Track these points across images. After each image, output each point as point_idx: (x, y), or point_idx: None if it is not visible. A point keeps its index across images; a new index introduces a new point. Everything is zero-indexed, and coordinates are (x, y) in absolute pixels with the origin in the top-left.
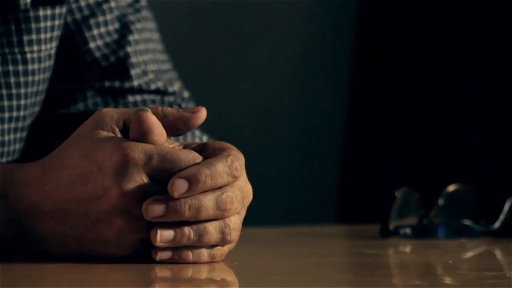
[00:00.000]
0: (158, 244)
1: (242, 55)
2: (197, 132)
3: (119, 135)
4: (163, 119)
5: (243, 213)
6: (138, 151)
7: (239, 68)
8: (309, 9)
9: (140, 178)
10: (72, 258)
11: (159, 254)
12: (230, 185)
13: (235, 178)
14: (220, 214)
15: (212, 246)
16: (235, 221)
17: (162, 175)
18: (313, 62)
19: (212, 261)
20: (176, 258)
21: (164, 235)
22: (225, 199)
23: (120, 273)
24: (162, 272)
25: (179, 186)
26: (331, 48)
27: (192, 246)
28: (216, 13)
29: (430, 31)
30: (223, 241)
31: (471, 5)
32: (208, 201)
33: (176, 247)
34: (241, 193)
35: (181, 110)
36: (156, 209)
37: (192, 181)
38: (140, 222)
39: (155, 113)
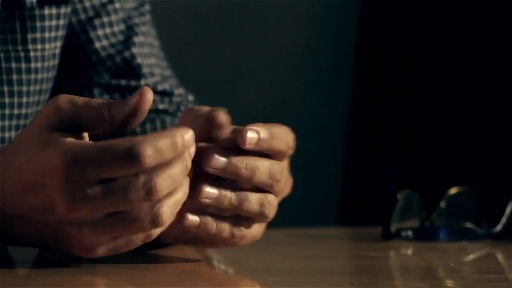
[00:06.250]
0: (201, 199)
1: (244, 56)
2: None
3: (67, 137)
4: (111, 122)
5: (278, 200)
6: (79, 160)
7: (240, 69)
8: (311, 9)
9: (85, 189)
10: (67, 256)
11: (189, 217)
12: (280, 163)
13: (290, 150)
14: (270, 183)
15: (238, 224)
16: (274, 199)
17: (107, 174)
18: (314, 64)
19: (230, 242)
20: (201, 227)
21: (208, 191)
22: (277, 170)
23: (122, 273)
24: (162, 273)
25: (252, 137)
26: (333, 49)
27: (217, 218)
28: (217, 13)
29: (433, 32)
30: (260, 215)
31: (474, 5)
32: (263, 166)
33: (203, 216)
34: (286, 174)
35: (124, 101)
36: (219, 162)
37: (260, 136)
38: (99, 226)
39: (100, 119)
